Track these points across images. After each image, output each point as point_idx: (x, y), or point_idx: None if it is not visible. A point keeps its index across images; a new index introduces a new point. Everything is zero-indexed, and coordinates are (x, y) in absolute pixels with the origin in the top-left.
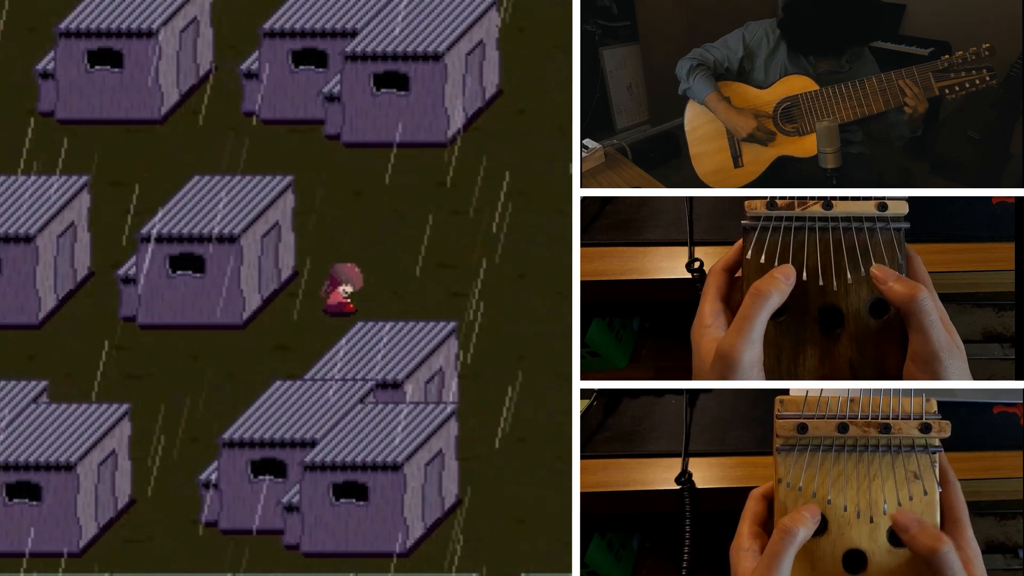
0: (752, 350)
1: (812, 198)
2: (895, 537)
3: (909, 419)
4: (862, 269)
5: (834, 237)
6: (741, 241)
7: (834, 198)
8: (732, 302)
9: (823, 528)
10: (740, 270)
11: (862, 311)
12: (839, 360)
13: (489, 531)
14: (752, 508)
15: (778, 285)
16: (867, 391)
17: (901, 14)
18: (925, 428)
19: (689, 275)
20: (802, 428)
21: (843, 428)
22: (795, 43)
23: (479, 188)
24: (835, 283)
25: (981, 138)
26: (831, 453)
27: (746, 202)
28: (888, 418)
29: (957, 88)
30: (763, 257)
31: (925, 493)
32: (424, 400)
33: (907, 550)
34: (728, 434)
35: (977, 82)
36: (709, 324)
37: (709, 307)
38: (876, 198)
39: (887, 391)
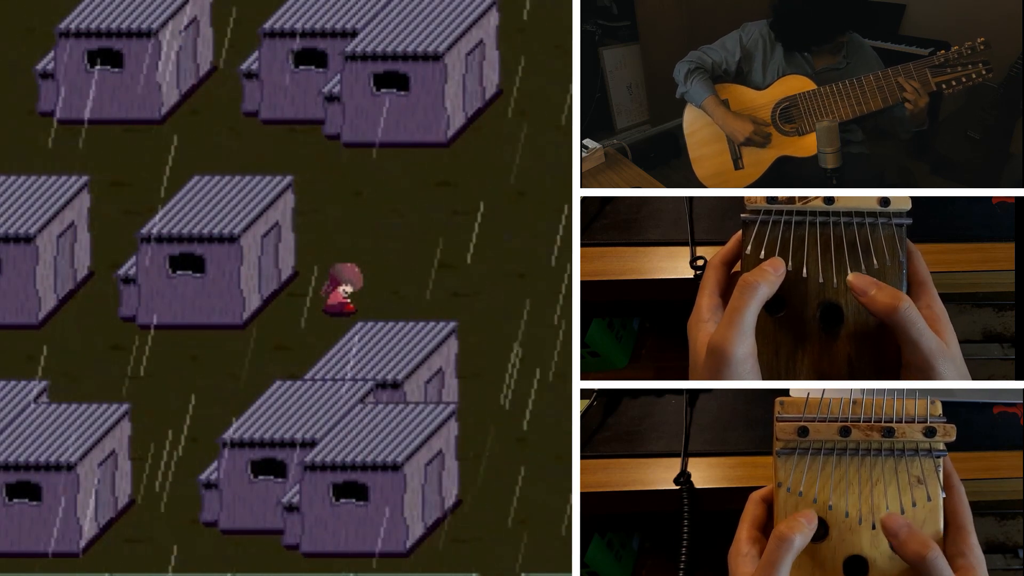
0: (743, 343)
1: (814, 198)
2: None
3: (913, 422)
4: (862, 266)
5: (835, 233)
6: (740, 234)
7: (831, 201)
8: (731, 296)
9: (824, 534)
10: (739, 264)
11: (862, 308)
12: (838, 357)
13: (489, 531)
14: (751, 512)
15: (766, 277)
16: (870, 392)
17: (901, 15)
18: (929, 432)
19: (692, 272)
20: (803, 431)
21: (845, 431)
22: (788, 38)
23: (479, 188)
24: (835, 280)
25: (981, 138)
26: (832, 457)
27: (746, 197)
28: (891, 421)
29: (954, 83)
30: (762, 252)
31: (928, 499)
32: (424, 400)
33: None
34: (728, 434)
35: (973, 76)
36: (707, 319)
37: (707, 301)
38: (876, 198)
39: (890, 393)
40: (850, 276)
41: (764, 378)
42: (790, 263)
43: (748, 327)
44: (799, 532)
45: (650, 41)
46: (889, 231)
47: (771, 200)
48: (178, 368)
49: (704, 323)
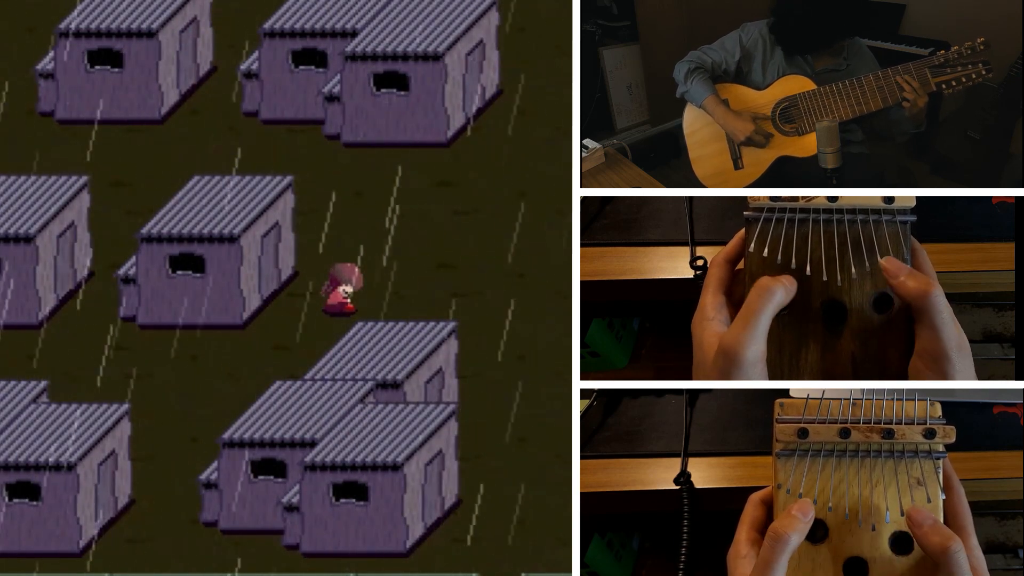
0: (756, 346)
1: (815, 198)
2: (897, 544)
3: (913, 424)
4: (866, 263)
5: (838, 230)
6: (743, 232)
7: (834, 199)
8: (734, 295)
9: (824, 535)
10: (742, 262)
11: (865, 306)
12: (841, 355)
13: (489, 531)
14: (750, 513)
15: (783, 281)
16: (870, 393)
17: (901, 14)
18: (929, 433)
19: (692, 272)
20: (803, 433)
21: (845, 433)
22: (788, 44)
23: (479, 188)
24: (839, 278)
25: (981, 138)
26: (832, 459)
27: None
28: (891, 423)
29: (954, 83)
30: (766, 250)
31: (928, 500)
32: (424, 400)
33: (909, 558)
34: (728, 434)
35: (973, 76)
36: (711, 317)
37: (711, 299)
38: (876, 198)
39: (890, 394)
40: (884, 260)
41: (769, 378)
42: (793, 261)
43: (762, 330)
44: (794, 531)
45: (650, 41)
46: (893, 228)
47: (775, 198)
48: (178, 368)
49: (709, 321)
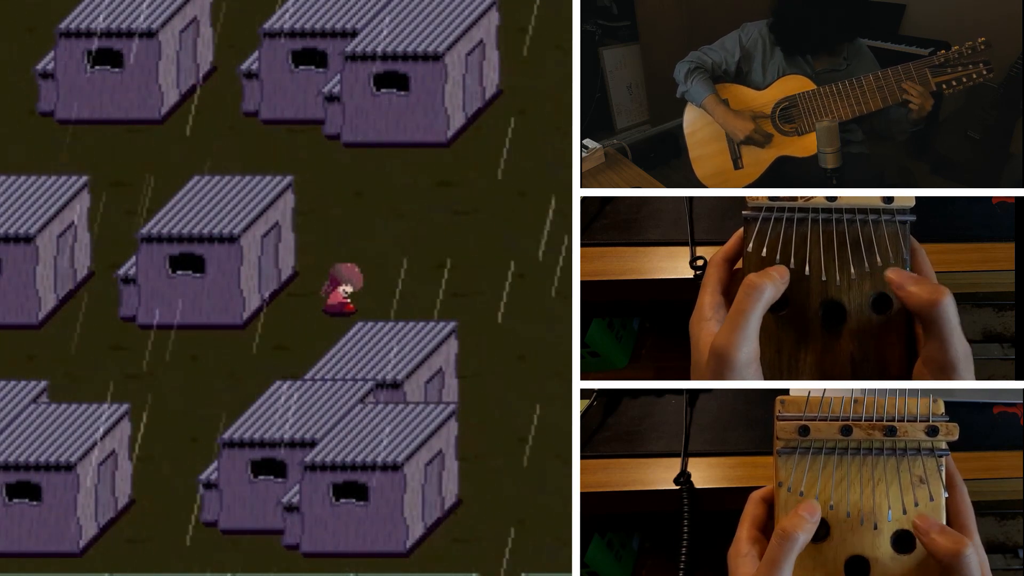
0: (747, 347)
1: (813, 198)
2: (899, 543)
3: (915, 421)
4: (866, 264)
5: (837, 230)
6: (741, 231)
7: (833, 198)
8: (732, 294)
9: (825, 534)
10: (740, 261)
11: (864, 307)
12: (840, 355)
13: (489, 531)
14: (751, 512)
15: (772, 277)
16: (871, 391)
17: (901, 14)
18: (932, 431)
19: (692, 272)
20: (804, 430)
21: (846, 430)
22: (787, 44)
23: (479, 188)
24: (838, 278)
25: (981, 138)
26: (834, 456)
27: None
28: (893, 420)
29: (954, 83)
30: (764, 250)
31: (931, 499)
32: (424, 400)
33: (911, 557)
34: (728, 434)
35: (974, 76)
36: (709, 317)
37: (709, 299)
38: (876, 198)
39: (892, 392)
40: (888, 271)
41: (766, 377)
42: (792, 261)
43: (752, 330)
44: (802, 530)
45: (650, 41)
46: (892, 228)
47: (773, 197)
48: (178, 368)
49: (706, 321)
